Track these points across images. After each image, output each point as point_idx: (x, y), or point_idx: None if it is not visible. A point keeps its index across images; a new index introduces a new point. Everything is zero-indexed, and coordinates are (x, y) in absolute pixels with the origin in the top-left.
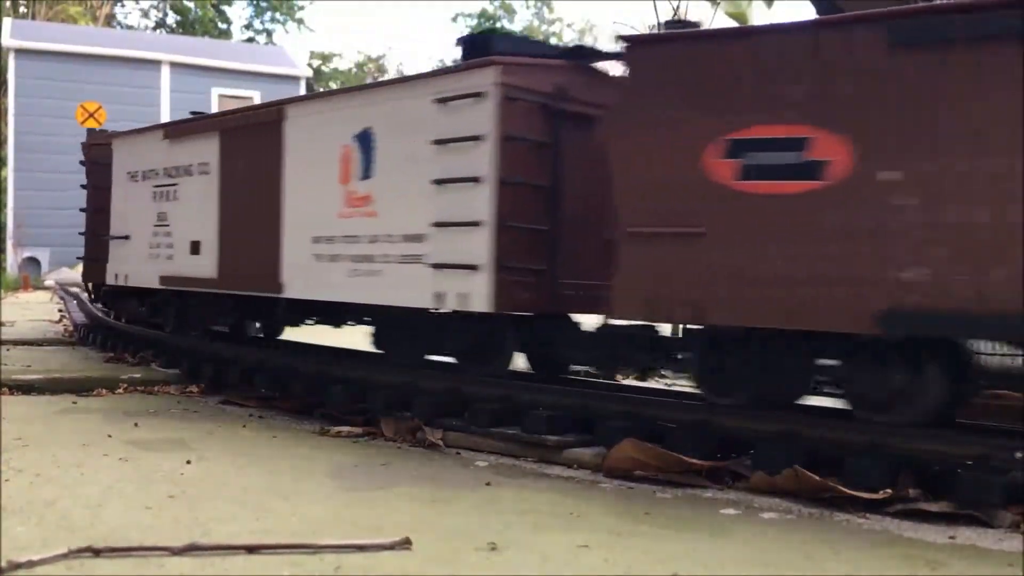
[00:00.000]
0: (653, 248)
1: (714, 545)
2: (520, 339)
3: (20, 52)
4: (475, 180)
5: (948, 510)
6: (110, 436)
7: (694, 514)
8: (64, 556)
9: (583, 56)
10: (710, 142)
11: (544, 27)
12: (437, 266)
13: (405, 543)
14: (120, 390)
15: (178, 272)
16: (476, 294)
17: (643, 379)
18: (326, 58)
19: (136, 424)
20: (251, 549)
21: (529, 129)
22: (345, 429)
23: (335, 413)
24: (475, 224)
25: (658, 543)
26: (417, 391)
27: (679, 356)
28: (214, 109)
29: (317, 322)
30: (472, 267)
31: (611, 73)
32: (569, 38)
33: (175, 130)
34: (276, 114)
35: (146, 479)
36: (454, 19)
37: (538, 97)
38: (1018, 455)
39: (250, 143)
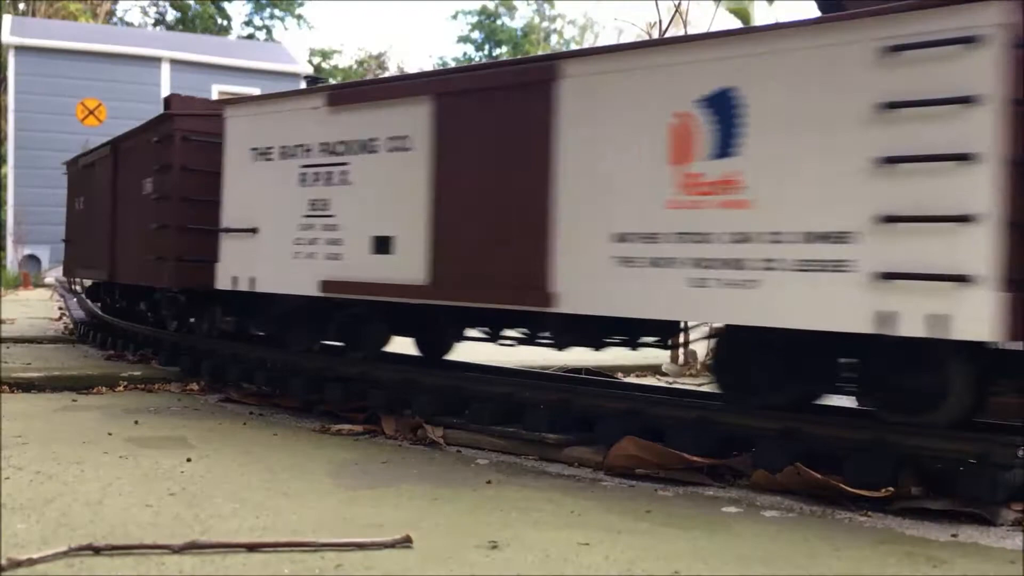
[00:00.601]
0: None
1: (715, 543)
2: (977, 377)
3: (20, 49)
4: (963, 158)
5: (950, 508)
6: (110, 434)
7: (695, 512)
8: (64, 554)
9: None
10: None
11: (545, 24)
12: (885, 276)
13: (406, 541)
14: (120, 388)
15: (352, 276)
16: (966, 316)
17: None
18: (326, 55)
19: (136, 422)
20: (252, 547)
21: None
22: (346, 427)
23: (336, 411)
24: (963, 219)
25: (659, 541)
26: (417, 388)
27: None
28: None
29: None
30: (960, 278)
31: None
32: (570, 35)
33: (347, 95)
34: (543, 72)
35: (146, 477)
36: (454, 16)
37: None
38: (1020, 453)
39: (489, 111)
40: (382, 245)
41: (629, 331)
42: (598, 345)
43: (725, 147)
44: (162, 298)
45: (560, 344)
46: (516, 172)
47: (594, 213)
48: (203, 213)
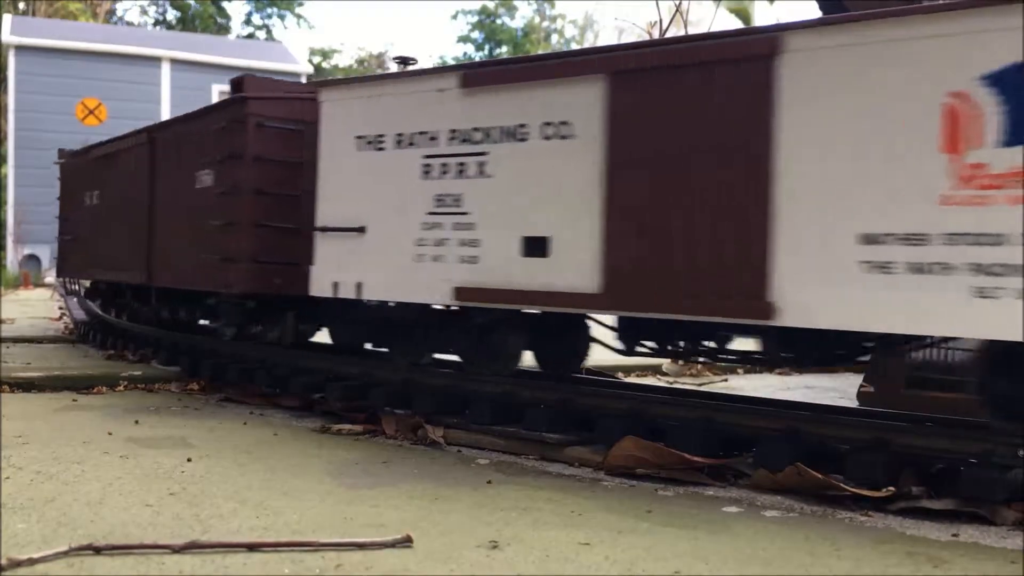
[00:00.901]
0: None
1: (716, 543)
2: None
3: (20, 48)
4: None
5: (951, 508)
6: (110, 433)
7: (696, 512)
8: (65, 554)
9: None
10: None
11: (546, 23)
12: None
13: (406, 541)
14: (120, 387)
15: (494, 282)
16: None
17: None
18: (327, 54)
19: (136, 421)
20: (252, 547)
21: None
22: (346, 427)
23: (336, 410)
24: None
25: (660, 541)
26: (418, 388)
27: None
28: None
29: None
30: None
31: None
32: (571, 35)
33: (487, 75)
34: (760, 47)
35: (147, 476)
36: (454, 16)
37: None
38: (1020, 452)
39: (682, 92)
40: (534, 247)
41: (852, 347)
42: (826, 363)
43: (1019, 133)
44: (220, 304)
45: (774, 362)
46: (720, 162)
47: (831, 211)
48: (279, 209)
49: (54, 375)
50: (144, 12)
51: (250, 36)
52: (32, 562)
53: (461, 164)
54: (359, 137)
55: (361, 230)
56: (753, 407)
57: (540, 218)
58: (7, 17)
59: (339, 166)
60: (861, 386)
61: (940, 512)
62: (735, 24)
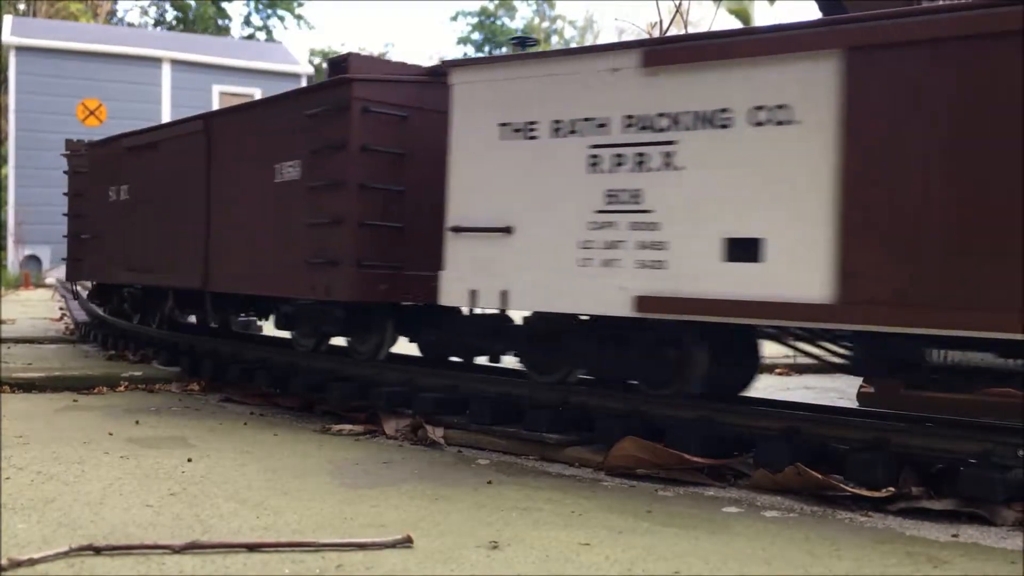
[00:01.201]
0: None
1: (716, 543)
2: None
3: (21, 49)
4: None
5: (950, 508)
6: (111, 434)
7: (696, 512)
8: (65, 554)
9: None
10: None
11: (545, 24)
12: None
13: (406, 541)
14: (121, 388)
15: (687, 290)
16: None
17: None
18: (327, 55)
19: (137, 422)
20: (252, 547)
21: None
22: (346, 427)
23: (336, 411)
24: None
25: (660, 541)
26: (418, 388)
27: None
28: (215, 108)
29: None
30: None
31: None
32: (571, 35)
33: (677, 52)
34: None
35: (147, 477)
36: (454, 18)
37: None
38: (1020, 452)
39: (952, 69)
40: (742, 250)
41: None
42: None
43: None
44: (299, 312)
45: None
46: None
47: None
48: (385, 205)
49: (55, 375)
50: (144, 13)
51: (250, 37)
52: (32, 562)
53: (640, 155)
54: (504, 124)
55: (507, 230)
56: (753, 407)
57: (750, 217)
58: (8, 18)
59: (477, 157)
60: (861, 386)
61: (940, 512)
62: (734, 25)
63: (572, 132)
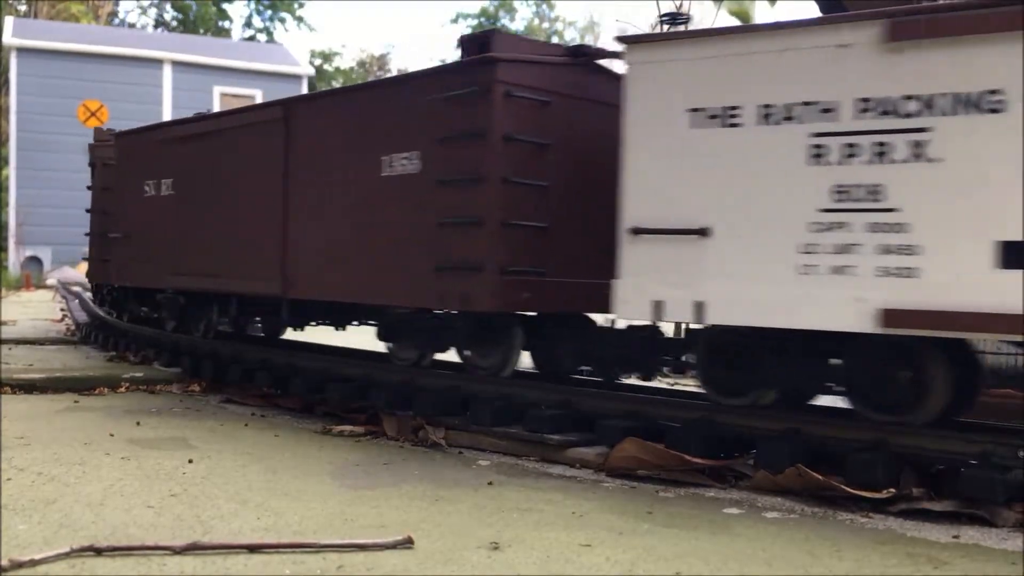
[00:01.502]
0: None
1: (717, 544)
2: None
3: (22, 51)
4: None
5: (951, 509)
6: (112, 435)
7: (697, 513)
8: (66, 555)
9: None
10: None
11: (545, 25)
12: None
13: (407, 542)
14: (122, 389)
15: (948, 303)
16: None
17: None
18: (327, 57)
19: (138, 423)
20: (253, 548)
21: None
22: (347, 428)
23: (337, 411)
24: None
25: (661, 542)
26: (418, 389)
27: None
28: (216, 109)
29: None
30: None
31: None
32: (571, 37)
33: (934, 23)
34: None
35: (148, 478)
36: (454, 20)
37: None
38: (1021, 453)
39: None
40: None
41: None
42: None
43: None
44: (404, 322)
45: None
46: None
47: None
48: (527, 203)
49: (56, 376)
50: (144, 13)
51: (251, 38)
52: (34, 563)
53: (881, 144)
54: (695, 110)
55: (702, 232)
56: (753, 408)
57: None
58: (9, 19)
59: (662, 148)
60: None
61: (940, 513)
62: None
63: (787, 119)
